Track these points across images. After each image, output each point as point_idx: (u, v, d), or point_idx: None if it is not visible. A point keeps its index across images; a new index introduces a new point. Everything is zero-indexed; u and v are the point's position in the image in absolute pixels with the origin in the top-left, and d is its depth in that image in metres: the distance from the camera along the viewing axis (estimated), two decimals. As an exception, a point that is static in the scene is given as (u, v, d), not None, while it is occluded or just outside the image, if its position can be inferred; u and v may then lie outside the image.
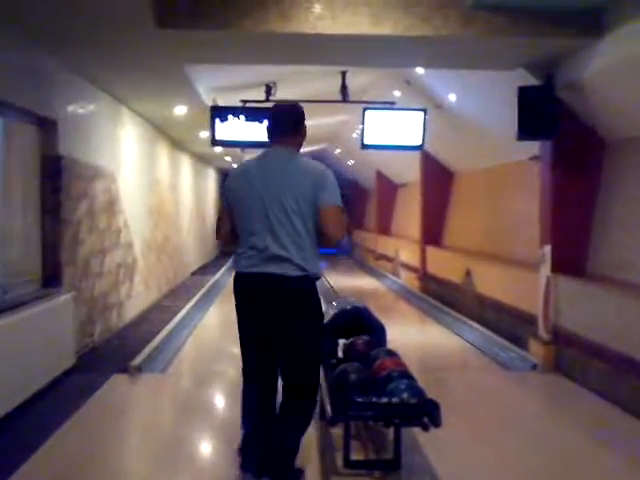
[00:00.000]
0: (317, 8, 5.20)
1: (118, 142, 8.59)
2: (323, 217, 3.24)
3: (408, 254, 14.10)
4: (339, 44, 5.63)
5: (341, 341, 5.01)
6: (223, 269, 16.09)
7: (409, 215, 14.87)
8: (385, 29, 5.29)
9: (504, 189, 9.55)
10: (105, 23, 5.10)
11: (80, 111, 7.05)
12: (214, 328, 9.72)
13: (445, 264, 11.43)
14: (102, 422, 5.01)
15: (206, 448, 4.76)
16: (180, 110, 9.12)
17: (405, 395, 3.62)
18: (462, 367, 7.21)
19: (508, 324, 8.10)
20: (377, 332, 4.85)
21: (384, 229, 17.86)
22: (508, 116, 6.50)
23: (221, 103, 8.75)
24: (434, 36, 5.32)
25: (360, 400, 3.60)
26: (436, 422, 3.56)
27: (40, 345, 5.50)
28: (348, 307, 5.09)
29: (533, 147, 7.17)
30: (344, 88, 8.38)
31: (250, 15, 5.16)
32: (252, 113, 8.14)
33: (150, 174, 10.79)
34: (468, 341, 8.10)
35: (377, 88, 10.37)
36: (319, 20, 5.22)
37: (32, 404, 5.11)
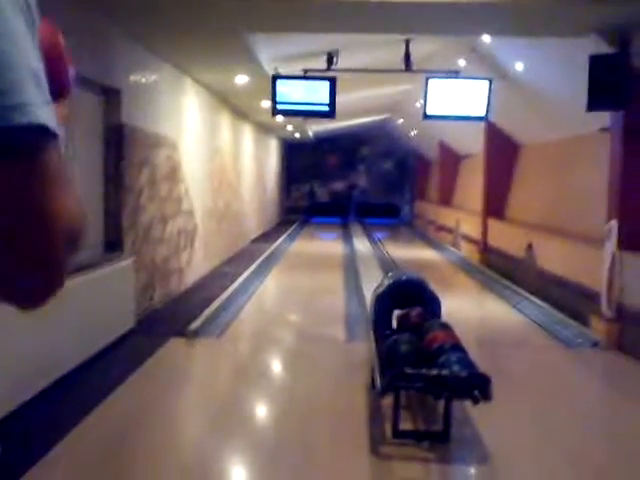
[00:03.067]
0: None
1: (180, 111, 8.69)
2: None
3: (469, 226, 13.89)
4: (403, 11, 5.52)
5: (396, 312, 5.01)
6: (283, 237, 16.23)
7: (471, 187, 14.62)
8: (452, -5, 5.15)
9: (572, 162, 9.26)
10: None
11: (143, 80, 7.15)
12: (272, 295, 9.85)
13: (507, 237, 11.22)
14: (159, 382, 5.17)
15: (260, 412, 4.84)
16: (242, 79, 9.14)
17: (456, 368, 3.60)
18: (521, 343, 7.08)
19: (570, 300, 7.91)
20: (432, 304, 4.82)
21: (445, 200, 17.63)
22: (578, 86, 6.27)
23: (283, 72, 8.72)
24: (502, 1, 5.15)
25: (410, 371, 3.59)
26: (486, 396, 3.52)
27: (101, 307, 5.68)
28: (403, 278, 5.07)
29: (603, 119, 6.91)
30: (407, 57, 8.23)
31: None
32: (314, 82, 8.12)
33: (212, 143, 10.90)
34: (528, 316, 7.94)
35: (441, 57, 10.15)
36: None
37: (93, 363, 5.30)
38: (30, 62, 0.66)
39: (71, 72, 0.77)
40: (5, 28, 0.64)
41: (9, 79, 0.63)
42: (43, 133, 0.65)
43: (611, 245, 6.46)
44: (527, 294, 8.93)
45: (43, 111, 0.65)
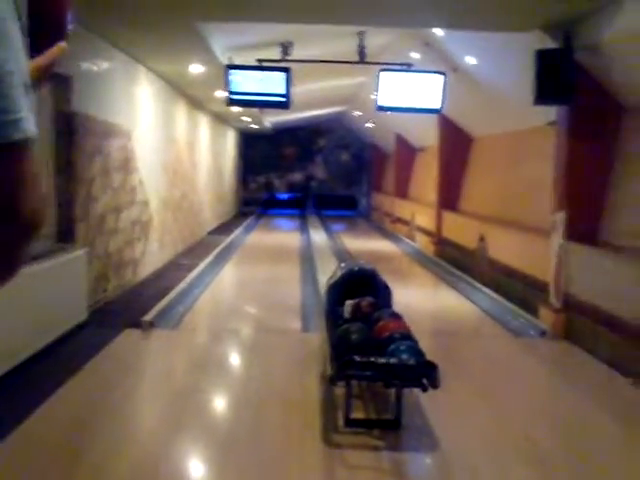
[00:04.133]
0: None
1: (134, 100, 8.59)
2: None
3: (424, 218, 14.05)
4: (355, 2, 5.56)
5: (348, 302, 5.06)
6: (239, 229, 16.18)
7: (427, 179, 14.78)
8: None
9: (521, 154, 9.44)
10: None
11: (95, 68, 7.04)
12: (228, 286, 9.83)
13: (460, 229, 11.39)
14: (113, 374, 5.13)
15: (214, 402, 4.85)
16: (196, 68, 9.06)
17: (404, 356, 3.66)
18: (472, 332, 7.22)
19: (520, 290, 8.09)
20: (383, 294, 4.88)
21: (402, 193, 17.78)
22: (526, 80, 6.39)
23: (237, 62, 8.68)
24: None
25: (359, 360, 3.64)
26: (434, 384, 3.59)
27: (53, 299, 5.60)
28: (355, 268, 5.13)
29: (552, 112, 7.06)
30: (361, 49, 8.29)
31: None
32: (268, 73, 8.10)
33: (167, 132, 10.80)
34: (479, 307, 8.10)
35: (395, 50, 10.22)
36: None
37: (44, 355, 5.22)
38: (24, 72, 0.74)
39: (70, 15, 0.84)
40: (9, 44, 0.71)
41: (11, 96, 0.71)
42: (27, 141, 0.73)
43: (558, 236, 6.62)
44: (479, 285, 9.10)
45: (30, 121, 0.73)
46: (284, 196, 25.20)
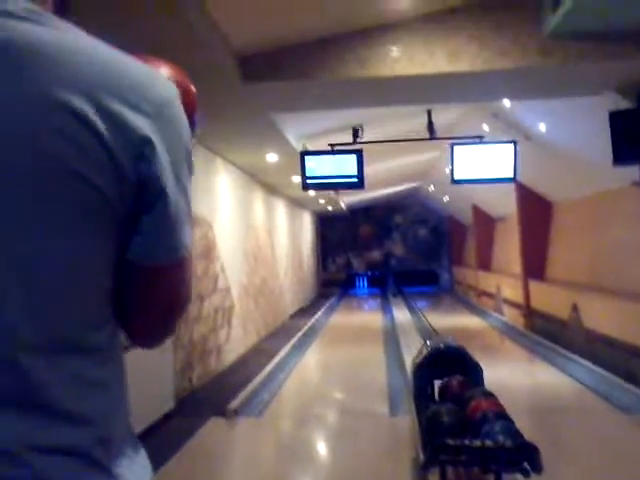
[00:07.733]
0: (394, 51, 5.24)
1: (213, 191, 8.84)
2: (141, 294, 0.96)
3: (510, 290, 13.64)
4: (419, 84, 5.65)
5: (437, 382, 4.87)
6: (321, 311, 16.13)
7: (509, 249, 14.45)
8: (463, 65, 5.28)
9: (608, 217, 9.10)
10: (195, 82, 5.31)
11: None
12: (312, 371, 9.70)
13: (550, 299, 10.96)
14: (201, 464, 5.06)
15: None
16: (272, 157, 9.31)
17: (500, 437, 3.43)
18: (573, 409, 6.76)
19: (622, 361, 7.60)
20: (473, 372, 4.67)
21: (484, 265, 17.41)
22: (603, 141, 6.21)
23: (310, 148, 8.87)
24: (514, 68, 5.23)
25: (452, 442, 3.44)
26: (536, 468, 3.34)
27: (140, 389, 5.62)
28: (442, 346, 4.94)
29: (634, 171, 6.82)
30: (431, 125, 8.32)
31: (327, 64, 5.30)
32: (341, 156, 8.23)
33: (246, 220, 11.03)
34: (579, 380, 7.63)
35: (464, 123, 10.23)
36: (396, 63, 5.28)
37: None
38: (190, 204, 0.95)
39: (198, 114, 1.00)
40: (187, 196, 0.93)
41: (183, 230, 0.93)
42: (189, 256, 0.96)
43: (657, 300, 6.24)
44: (577, 357, 8.62)
45: (190, 241, 0.95)
46: (364, 275, 25.16)
